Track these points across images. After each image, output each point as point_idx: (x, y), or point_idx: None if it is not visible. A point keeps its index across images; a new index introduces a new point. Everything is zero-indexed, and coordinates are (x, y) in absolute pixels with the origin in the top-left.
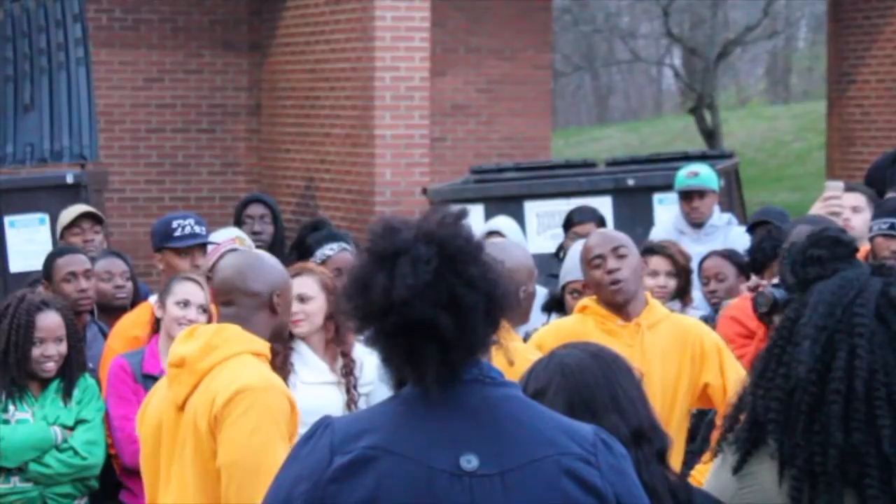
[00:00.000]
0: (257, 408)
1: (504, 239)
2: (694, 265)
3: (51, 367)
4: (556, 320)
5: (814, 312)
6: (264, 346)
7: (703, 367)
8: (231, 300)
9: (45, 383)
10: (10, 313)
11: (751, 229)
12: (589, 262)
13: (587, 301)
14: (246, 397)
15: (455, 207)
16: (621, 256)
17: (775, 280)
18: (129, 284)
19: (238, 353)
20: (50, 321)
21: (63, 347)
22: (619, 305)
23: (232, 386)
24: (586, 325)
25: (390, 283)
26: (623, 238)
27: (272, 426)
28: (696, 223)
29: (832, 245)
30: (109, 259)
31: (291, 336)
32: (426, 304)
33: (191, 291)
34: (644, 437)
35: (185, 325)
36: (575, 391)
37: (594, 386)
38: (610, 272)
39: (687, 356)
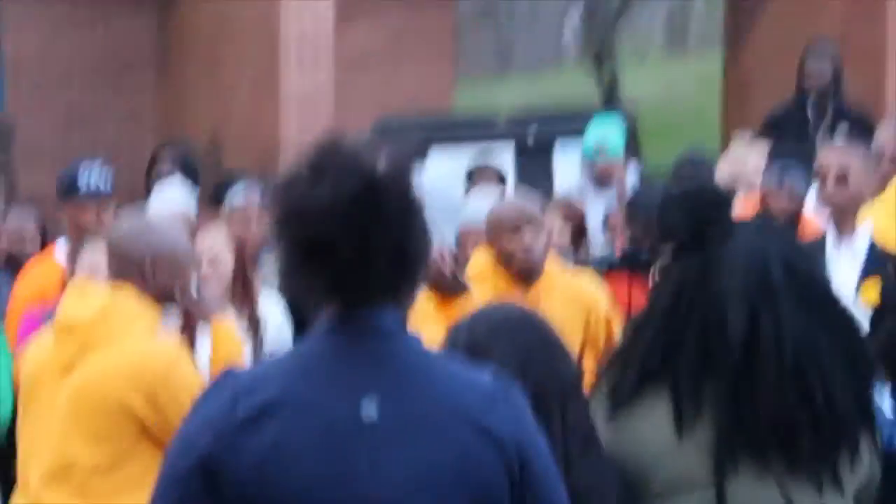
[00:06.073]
0: (184, 386)
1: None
2: (599, 218)
3: None
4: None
5: (732, 278)
6: (154, 316)
7: (597, 329)
8: (113, 263)
9: None
10: None
11: (679, 168)
12: (501, 231)
13: (483, 269)
14: (171, 379)
15: (406, 156)
16: (536, 230)
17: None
18: (38, 240)
19: (132, 324)
20: None
21: None
22: (526, 276)
23: (147, 366)
24: (484, 294)
25: (308, 193)
26: (537, 210)
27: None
28: (602, 184)
29: (721, 204)
30: (20, 215)
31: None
32: (332, 225)
33: (98, 260)
34: (579, 389)
35: None
36: (521, 343)
37: (538, 339)
38: (525, 249)
39: (584, 319)
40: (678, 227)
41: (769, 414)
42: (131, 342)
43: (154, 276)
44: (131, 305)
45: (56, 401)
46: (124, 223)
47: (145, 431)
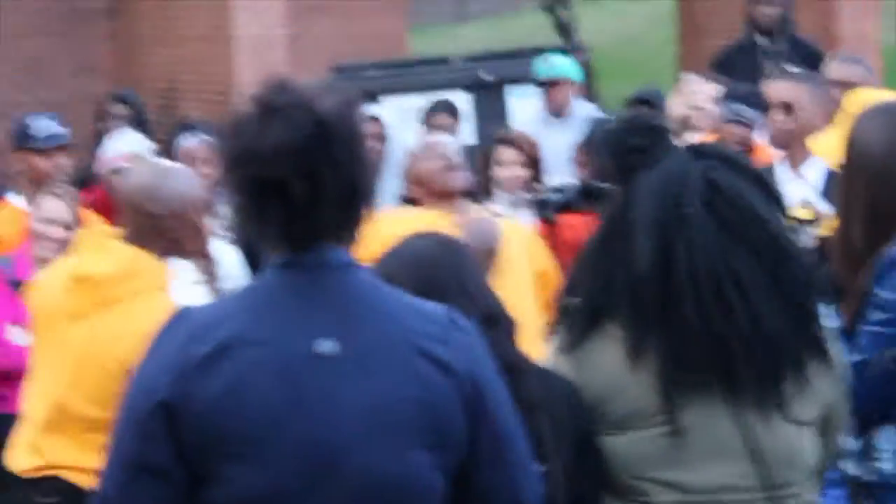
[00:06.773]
0: None
1: None
2: (560, 154)
3: None
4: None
5: (644, 207)
6: (167, 272)
7: (535, 255)
8: (128, 217)
9: None
10: None
11: (631, 104)
12: (422, 158)
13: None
14: None
15: (352, 93)
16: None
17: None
18: None
19: (154, 289)
20: None
21: None
22: (452, 194)
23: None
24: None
25: (259, 133)
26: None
27: None
28: (556, 112)
29: (649, 132)
30: None
31: None
32: (283, 166)
33: (55, 209)
34: (494, 320)
35: (47, 243)
36: (425, 279)
37: (443, 273)
38: (445, 156)
39: (522, 246)
40: (608, 158)
41: (699, 340)
42: (143, 304)
43: (171, 230)
44: (151, 264)
45: (63, 348)
46: (135, 175)
47: None
